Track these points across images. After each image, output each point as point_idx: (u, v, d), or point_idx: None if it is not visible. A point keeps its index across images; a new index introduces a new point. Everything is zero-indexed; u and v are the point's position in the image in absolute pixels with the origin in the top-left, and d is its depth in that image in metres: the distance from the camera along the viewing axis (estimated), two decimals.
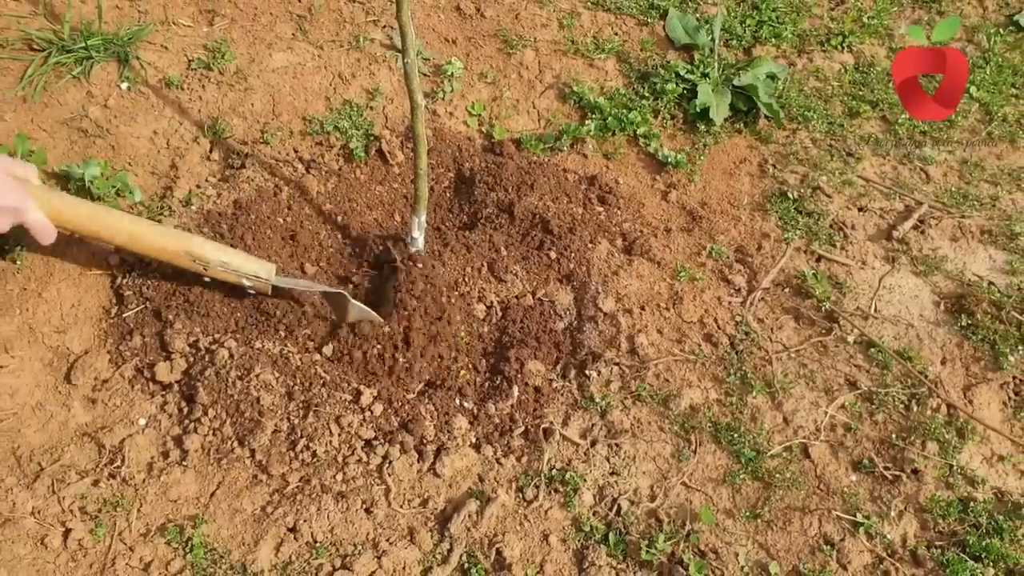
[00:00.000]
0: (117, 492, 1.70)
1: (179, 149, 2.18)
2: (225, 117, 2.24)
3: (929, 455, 1.92)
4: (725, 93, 2.51)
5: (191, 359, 1.84)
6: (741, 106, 2.54)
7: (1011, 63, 2.81)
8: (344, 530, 1.72)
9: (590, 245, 2.20)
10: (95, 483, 1.70)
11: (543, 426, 1.90)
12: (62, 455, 1.73)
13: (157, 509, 1.70)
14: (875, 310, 2.19)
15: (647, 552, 1.72)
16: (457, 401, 1.91)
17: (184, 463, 1.74)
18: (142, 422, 1.79)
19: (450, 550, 1.72)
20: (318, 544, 1.69)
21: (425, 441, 1.82)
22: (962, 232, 2.37)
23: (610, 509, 1.81)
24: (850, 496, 1.86)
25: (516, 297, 2.10)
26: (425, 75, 2.48)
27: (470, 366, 1.97)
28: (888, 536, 1.81)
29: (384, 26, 2.55)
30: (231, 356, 1.82)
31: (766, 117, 2.57)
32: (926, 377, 2.05)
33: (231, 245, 1.93)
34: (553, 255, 2.16)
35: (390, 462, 1.79)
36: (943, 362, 2.11)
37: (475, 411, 1.91)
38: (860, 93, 2.69)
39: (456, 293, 2.04)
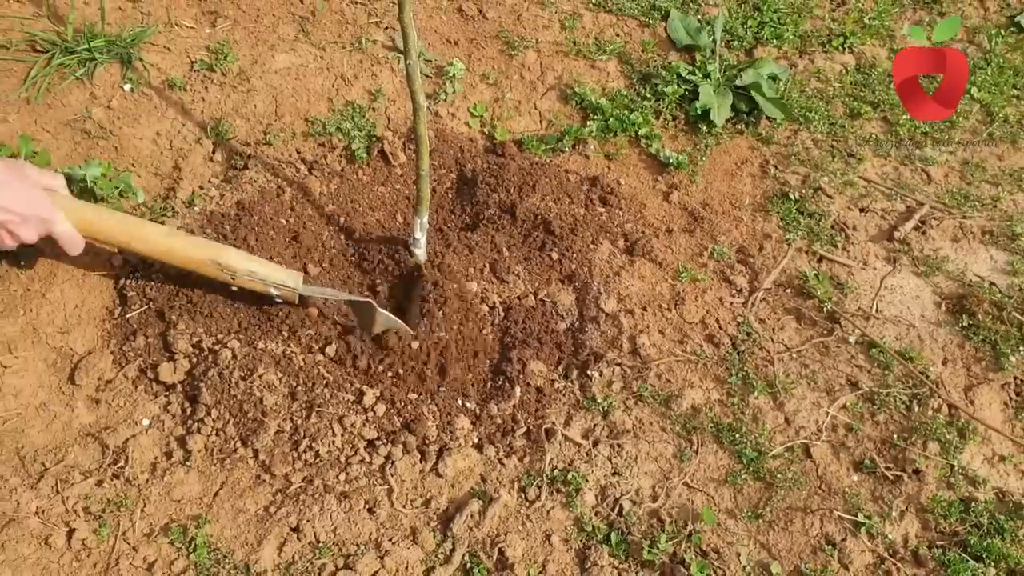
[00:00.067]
0: (121, 492, 1.71)
1: (182, 150, 2.19)
2: (228, 118, 2.25)
3: (930, 455, 1.92)
4: (726, 94, 2.51)
5: (194, 359, 1.85)
6: (742, 107, 2.54)
7: (1012, 64, 2.81)
8: (347, 530, 1.72)
9: (592, 246, 2.21)
10: (99, 483, 1.71)
11: (545, 426, 1.90)
12: (66, 455, 1.73)
13: (161, 509, 1.71)
14: (876, 311, 2.20)
15: (649, 552, 1.73)
16: (459, 401, 1.91)
17: (187, 463, 1.75)
18: (145, 422, 1.79)
19: (452, 550, 1.72)
20: (321, 544, 1.70)
21: (428, 441, 1.83)
22: (963, 233, 2.38)
23: (612, 509, 1.81)
24: (851, 496, 1.87)
25: (518, 298, 2.10)
26: (427, 76, 2.49)
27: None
28: (889, 536, 1.81)
29: (386, 27, 2.56)
30: (234, 356, 1.83)
31: (768, 118, 2.57)
32: (927, 377, 2.05)
33: (234, 246, 1.94)
34: (555, 256, 2.16)
35: (393, 462, 1.79)
36: (944, 362, 2.11)
37: (477, 411, 1.91)
38: (861, 94, 2.69)
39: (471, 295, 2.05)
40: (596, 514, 1.81)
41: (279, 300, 1.89)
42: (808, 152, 2.54)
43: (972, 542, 1.79)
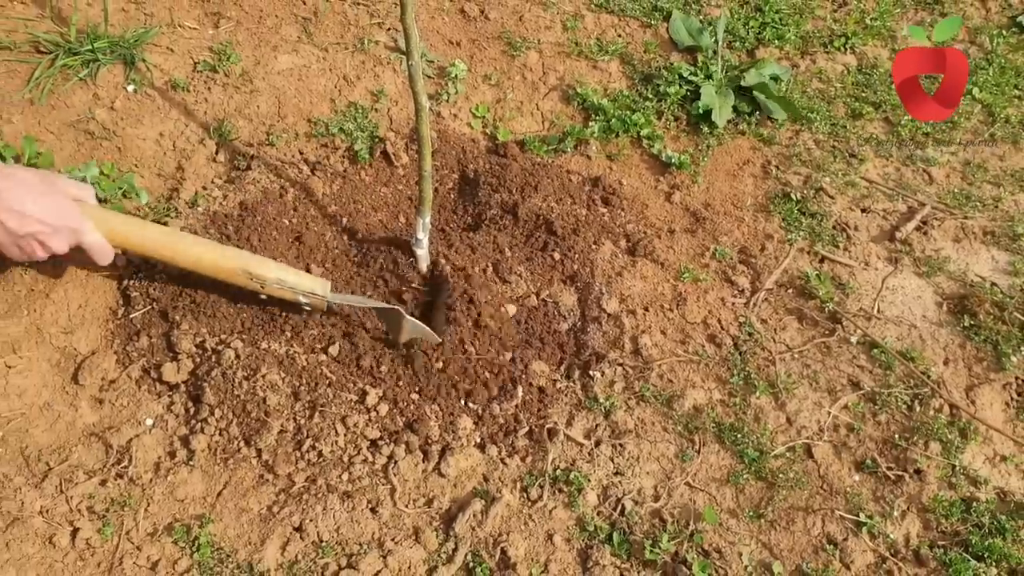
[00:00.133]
0: (124, 492, 1.71)
1: (185, 151, 2.19)
2: (231, 119, 2.26)
3: (932, 455, 1.92)
4: (728, 95, 2.52)
5: (198, 359, 1.85)
6: (744, 108, 2.55)
7: (1014, 65, 2.81)
8: (350, 529, 1.73)
9: (594, 246, 2.21)
10: (103, 483, 1.71)
11: (547, 426, 1.91)
12: (70, 455, 1.74)
13: (164, 509, 1.71)
14: (878, 311, 2.20)
15: (651, 552, 1.73)
16: (462, 401, 1.92)
17: (191, 463, 1.75)
18: (149, 422, 1.80)
19: (455, 549, 1.73)
20: (324, 543, 1.70)
21: (430, 441, 1.83)
22: (965, 233, 2.38)
23: (614, 509, 1.82)
24: (853, 496, 1.87)
25: (520, 298, 2.10)
26: (429, 77, 2.49)
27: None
28: (891, 536, 1.82)
29: (388, 28, 2.56)
30: (237, 356, 1.83)
31: (770, 119, 2.57)
32: (929, 378, 2.05)
33: (237, 246, 1.94)
34: (557, 256, 2.17)
35: (395, 462, 1.80)
36: (946, 363, 2.11)
37: (480, 411, 1.92)
38: (863, 94, 2.70)
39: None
40: (598, 514, 1.81)
41: (308, 308, 1.89)
42: (810, 152, 2.54)
43: (973, 542, 1.79)
